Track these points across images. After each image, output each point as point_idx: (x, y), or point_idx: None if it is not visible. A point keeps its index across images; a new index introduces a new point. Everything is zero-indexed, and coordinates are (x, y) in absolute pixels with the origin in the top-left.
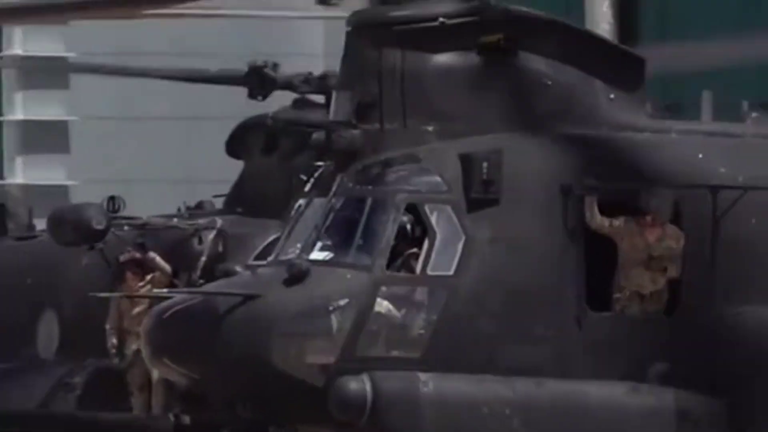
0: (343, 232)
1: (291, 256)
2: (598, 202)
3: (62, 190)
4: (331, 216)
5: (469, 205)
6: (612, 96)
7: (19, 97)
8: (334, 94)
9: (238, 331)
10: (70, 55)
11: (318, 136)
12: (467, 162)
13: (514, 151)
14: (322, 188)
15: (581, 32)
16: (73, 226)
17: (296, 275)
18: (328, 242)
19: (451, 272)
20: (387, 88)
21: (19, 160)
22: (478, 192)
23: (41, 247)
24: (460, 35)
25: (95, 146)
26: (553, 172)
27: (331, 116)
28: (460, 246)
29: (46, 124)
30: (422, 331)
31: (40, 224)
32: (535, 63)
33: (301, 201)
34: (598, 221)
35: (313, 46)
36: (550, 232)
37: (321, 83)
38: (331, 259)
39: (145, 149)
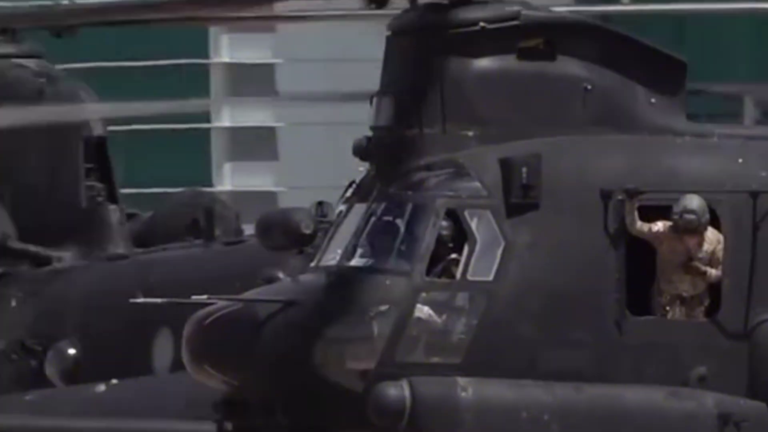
0: (383, 237)
1: (331, 262)
2: (638, 206)
3: (270, 197)
4: (371, 221)
5: (509, 210)
6: (653, 100)
7: (227, 104)
8: (374, 99)
9: (278, 338)
10: (278, 61)
11: (359, 141)
12: (507, 167)
13: (553, 155)
14: (363, 194)
15: (621, 36)
16: (281, 231)
17: (336, 282)
18: (369, 248)
19: (491, 278)
20: (427, 93)
21: (227, 167)
22: (518, 197)
23: (249, 252)
24: (500, 40)
25: (303, 152)
26: (593, 176)
27: (372, 121)
28: (499, 251)
29: (254, 131)
30: (462, 337)
31: (248, 229)
32: (575, 67)
33: (342, 207)
34: (638, 226)
35: None
36: (589, 237)
37: None
38: (371, 265)
39: (352, 155)
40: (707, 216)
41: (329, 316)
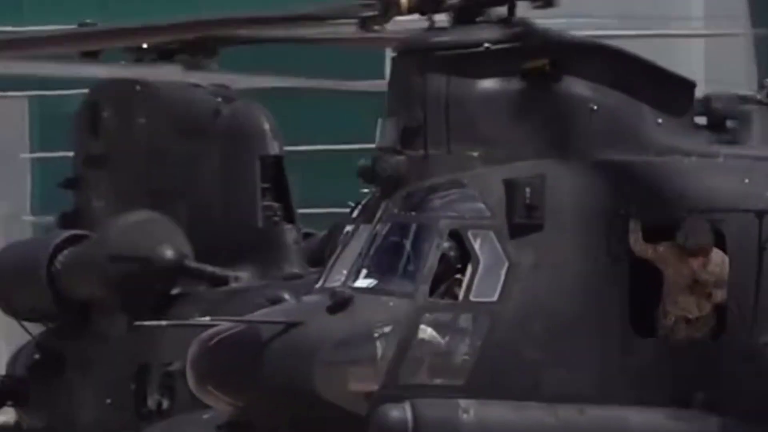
0: (387, 259)
1: (336, 283)
2: (642, 227)
3: None
4: (375, 243)
5: (513, 231)
6: (659, 120)
7: None
8: (380, 120)
9: (282, 359)
10: None
11: (363, 162)
12: (510, 187)
13: (558, 176)
14: (368, 215)
15: (628, 56)
16: None
17: (339, 303)
18: (373, 269)
19: (495, 298)
20: (431, 114)
21: None
22: (522, 217)
23: None
24: (504, 60)
25: None
26: (597, 197)
27: (377, 142)
28: (503, 272)
29: None
30: (465, 358)
31: None
32: (581, 88)
33: (348, 228)
34: (642, 247)
35: (693, 66)
36: (593, 258)
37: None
38: (374, 286)
39: None
40: (712, 237)
41: (332, 337)
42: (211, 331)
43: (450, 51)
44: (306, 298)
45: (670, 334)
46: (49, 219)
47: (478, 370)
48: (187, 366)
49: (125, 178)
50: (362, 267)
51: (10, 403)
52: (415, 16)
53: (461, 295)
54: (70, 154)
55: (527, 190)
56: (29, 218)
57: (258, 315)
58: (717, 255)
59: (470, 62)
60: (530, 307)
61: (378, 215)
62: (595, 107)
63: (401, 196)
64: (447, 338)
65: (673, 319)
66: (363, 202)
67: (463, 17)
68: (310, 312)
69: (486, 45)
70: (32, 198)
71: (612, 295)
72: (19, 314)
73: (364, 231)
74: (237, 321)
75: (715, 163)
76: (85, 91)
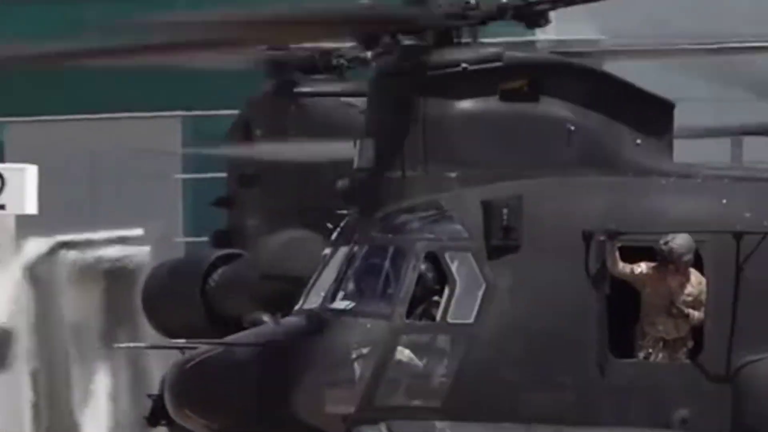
0: (365, 280)
1: (314, 305)
2: (621, 248)
3: None
4: (353, 264)
5: (490, 252)
6: (638, 141)
7: None
8: (358, 141)
9: (258, 382)
10: (603, 38)
11: (342, 183)
12: (488, 209)
13: (535, 197)
14: (346, 237)
15: (606, 77)
16: None
17: (317, 325)
18: (350, 291)
19: (471, 320)
20: (409, 135)
21: None
22: (499, 239)
23: None
24: (482, 81)
25: None
26: (575, 218)
27: (355, 163)
28: (480, 293)
29: None
30: (442, 380)
31: None
32: (559, 108)
33: (327, 250)
34: (620, 268)
35: None
36: (571, 279)
37: None
38: (352, 308)
39: None
40: (692, 253)
41: (309, 359)
42: (188, 354)
43: (428, 71)
44: (284, 321)
45: (648, 355)
46: (201, 240)
47: (454, 391)
48: (165, 390)
49: (278, 197)
50: (340, 289)
51: (163, 422)
52: None
53: (438, 316)
54: (222, 174)
55: (505, 211)
56: (181, 239)
57: (235, 338)
58: (694, 276)
59: (448, 83)
60: (507, 328)
61: (356, 237)
62: (573, 128)
63: (379, 218)
64: (424, 360)
65: (651, 340)
66: (342, 223)
67: (442, 39)
68: (288, 334)
69: (464, 66)
70: (184, 219)
71: (590, 316)
72: (172, 332)
73: (342, 253)
74: (214, 344)
75: (694, 184)
76: (237, 110)
